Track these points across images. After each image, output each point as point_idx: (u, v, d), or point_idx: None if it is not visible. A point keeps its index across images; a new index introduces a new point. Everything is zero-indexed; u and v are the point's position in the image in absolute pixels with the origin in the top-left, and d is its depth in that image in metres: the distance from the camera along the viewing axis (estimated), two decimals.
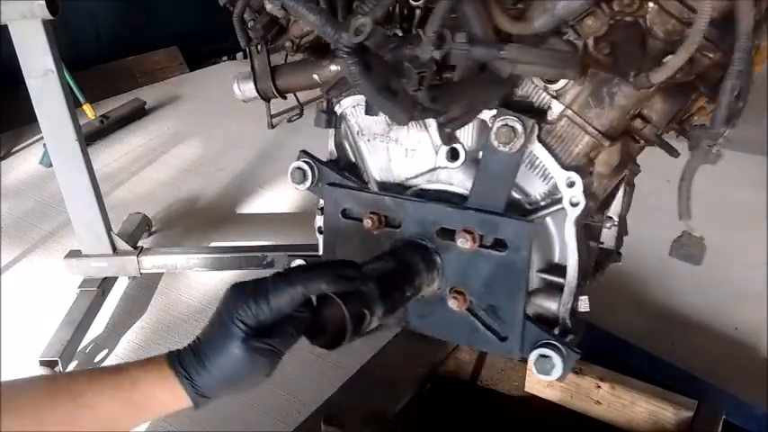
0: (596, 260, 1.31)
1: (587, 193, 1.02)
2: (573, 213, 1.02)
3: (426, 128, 1.17)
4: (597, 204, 1.15)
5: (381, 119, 1.21)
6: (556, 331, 1.08)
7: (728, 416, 1.73)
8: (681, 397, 1.71)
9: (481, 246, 1.01)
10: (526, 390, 1.87)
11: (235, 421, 2.07)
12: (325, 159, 1.30)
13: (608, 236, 1.35)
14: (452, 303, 1.06)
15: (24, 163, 3.86)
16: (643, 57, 0.92)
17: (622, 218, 1.36)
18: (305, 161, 1.25)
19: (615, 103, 0.98)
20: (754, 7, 0.82)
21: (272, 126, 4.40)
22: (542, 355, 1.00)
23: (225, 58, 5.51)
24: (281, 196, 3.44)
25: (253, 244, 2.79)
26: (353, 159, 1.31)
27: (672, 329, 2.40)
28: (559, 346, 1.00)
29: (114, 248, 2.57)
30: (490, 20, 0.91)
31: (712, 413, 1.68)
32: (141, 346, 2.38)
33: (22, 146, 4.04)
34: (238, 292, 0.88)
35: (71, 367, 2.32)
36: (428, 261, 1.05)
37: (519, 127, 0.97)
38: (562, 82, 1.00)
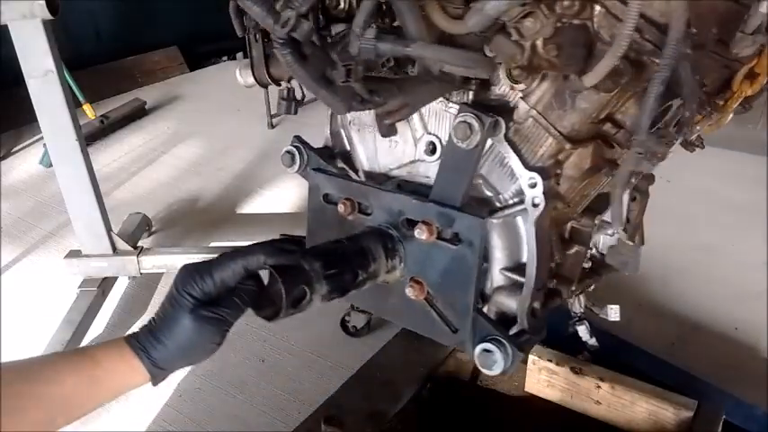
0: (592, 267, 1.30)
1: (551, 194, 1.02)
2: (533, 214, 1.02)
3: (408, 121, 1.18)
4: (574, 207, 1.14)
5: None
6: (515, 329, 1.09)
7: (728, 416, 1.74)
8: (681, 397, 1.71)
9: (439, 238, 1.03)
10: (526, 390, 1.88)
11: (235, 421, 2.08)
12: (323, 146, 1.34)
13: (608, 243, 1.32)
14: (410, 292, 1.07)
15: (24, 163, 3.87)
16: (590, 59, 0.92)
17: (635, 227, 1.34)
18: (294, 146, 1.29)
19: (576, 105, 0.97)
20: (686, 12, 0.81)
21: (272, 126, 4.42)
22: (485, 350, 1.02)
23: (225, 58, 5.51)
24: (280, 196, 3.44)
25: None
26: (348, 148, 1.33)
27: (672, 329, 2.41)
28: (504, 342, 1.01)
29: (114, 248, 2.57)
30: (423, 17, 0.93)
31: (712, 413, 1.69)
32: None
33: (22, 146, 4.04)
34: (186, 270, 0.95)
35: None
36: (390, 249, 1.07)
37: (475, 124, 0.98)
38: (529, 82, 1.00)
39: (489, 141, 1.03)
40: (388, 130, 1.13)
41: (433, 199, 1.06)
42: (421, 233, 1.02)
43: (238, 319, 0.96)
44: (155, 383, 0.96)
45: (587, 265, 1.30)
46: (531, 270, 1.05)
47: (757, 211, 3.03)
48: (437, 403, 1.85)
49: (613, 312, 1.43)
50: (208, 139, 4.16)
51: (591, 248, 1.34)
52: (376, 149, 1.26)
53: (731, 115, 1.16)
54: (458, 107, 1.04)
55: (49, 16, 2.17)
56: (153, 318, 0.96)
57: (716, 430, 1.66)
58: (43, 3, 2.12)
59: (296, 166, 1.30)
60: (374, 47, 0.92)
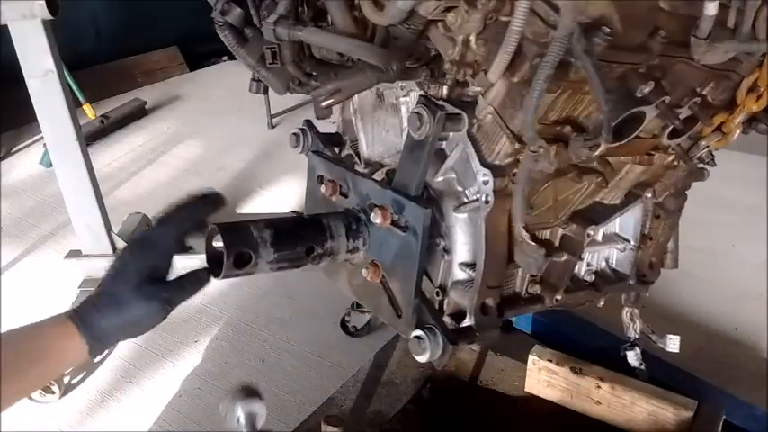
0: (594, 281, 1.28)
1: (504, 193, 1.02)
2: (483, 211, 1.03)
3: (398, 111, 1.20)
4: (551, 213, 1.13)
5: (371, 99, 1.26)
6: (466, 323, 1.10)
7: (728, 416, 1.74)
8: (681, 397, 1.71)
9: (394, 224, 1.06)
10: (526, 390, 1.88)
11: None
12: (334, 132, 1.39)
13: (621, 259, 1.31)
14: (365, 273, 1.11)
15: (24, 163, 3.87)
16: (518, 56, 0.90)
17: (659, 246, 1.32)
18: (301, 129, 1.33)
19: (524, 105, 0.94)
20: (573, 10, 0.79)
21: (272, 126, 4.42)
22: (417, 336, 1.04)
23: (225, 57, 5.51)
24: (280, 196, 3.44)
25: None
26: (356, 135, 1.37)
27: (672, 329, 2.40)
28: (437, 332, 1.03)
29: (114, 248, 2.57)
30: (349, 7, 0.99)
31: (712, 413, 1.69)
32: (142, 346, 2.38)
33: (22, 146, 4.04)
34: (135, 244, 0.97)
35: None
36: (354, 230, 1.11)
37: (425, 115, 0.99)
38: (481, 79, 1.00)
39: (452, 135, 1.04)
40: (322, 113, 1.18)
41: (392, 186, 1.09)
42: (375, 217, 1.05)
43: (184, 300, 0.97)
44: (93, 356, 0.94)
45: (590, 278, 1.28)
46: (480, 266, 1.05)
47: (757, 211, 3.03)
48: (437, 403, 1.85)
49: (672, 343, 1.42)
50: (208, 139, 4.16)
51: (603, 263, 1.32)
52: (373, 138, 1.29)
53: (738, 131, 1.11)
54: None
55: (48, 16, 2.17)
56: (96, 290, 0.95)
57: (716, 430, 1.66)
58: (43, 3, 2.13)
59: (299, 148, 1.34)
60: (273, 30, 1.00)
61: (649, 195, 1.22)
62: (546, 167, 0.97)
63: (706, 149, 1.14)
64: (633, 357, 1.56)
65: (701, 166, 1.23)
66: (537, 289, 1.20)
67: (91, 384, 2.28)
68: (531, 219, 1.08)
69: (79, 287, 2.52)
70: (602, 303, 1.39)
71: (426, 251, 1.08)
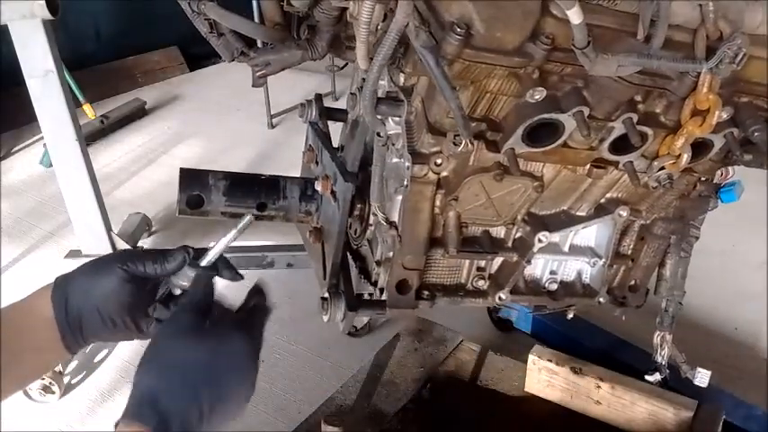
0: (556, 289, 1.27)
1: (423, 180, 1.03)
2: (403, 194, 1.06)
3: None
4: (492, 211, 1.12)
5: None
6: (383, 298, 1.15)
7: (728, 416, 1.74)
8: (681, 397, 1.71)
9: (332, 194, 1.14)
10: (526, 390, 1.88)
11: (235, 421, 2.07)
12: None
13: (594, 275, 1.29)
14: (308, 236, 1.20)
15: (24, 163, 3.87)
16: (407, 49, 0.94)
17: (645, 269, 1.31)
18: (308, 100, 1.41)
19: (435, 97, 0.96)
20: (407, 6, 0.79)
21: (272, 126, 4.42)
22: (323, 297, 1.14)
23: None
24: None
25: (253, 244, 2.79)
26: None
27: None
28: (342, 296, 1.12)
29: (114, 248, 2.57)
30: None
31: (712, 413, 1.68)
32: (142, 347, 2.37)
33: (22, 146, 4.04)
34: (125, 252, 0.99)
35: (71, 367, 2.32)
36: (308, 196, 1.21)
37: (357, 95, 1.06)
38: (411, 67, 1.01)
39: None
40: (257, 82, 1.26)
41: (338, 159, 1.19)
42: (317, 185, 1.15)
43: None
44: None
45: (552, 286, 1.27)
46: (395, 246, 1.09)
47: (757, 211, 3.03)
48: (437, 403, 1.85)
49: (701, 377, 1.41)
50: (208, 139, 4.16)
51: (573, 274, 1.29)
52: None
53: (686, 156, 1.01)
54: None
55: (48, 16, 2.17)
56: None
57: (716, 430, 1.66)
58: (43, 3, 2.13)
59: (304, 117, 1.41)
60: (188, 4, 1.11)
61: (623, 213, 1.18)
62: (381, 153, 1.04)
63: (662, 171, 1.08)
64: (652, 380, 1.53)
65: (703, 193, 1.21)
66: (483, 284, 1.21)
67: (91, 384, 2.28)
68: (466, 213, 1.11)
69: None
70: (570, 316, 1.37)
71: (374, 228, 1.17)
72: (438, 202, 1.08)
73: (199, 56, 5.42)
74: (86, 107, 4.12)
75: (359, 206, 1.18)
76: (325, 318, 1.13)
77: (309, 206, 1.20)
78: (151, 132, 4.30)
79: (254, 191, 1.17)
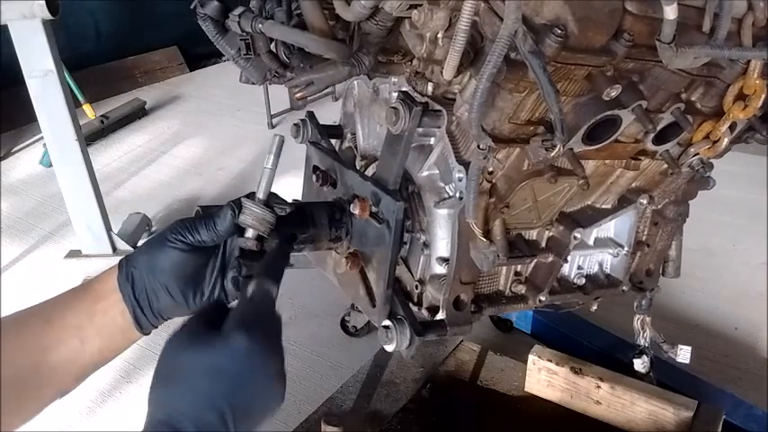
0: (584, 284, 1.27)
1: (479, 190, 1.01)
2: (457, 207, 1.03)
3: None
4: (532, 214, 1.12)
5: (368, 93, 1.26)
6: (439, 317, 1.10)
7: (728, 416, 1.73)
8: (681, 397, 1.71)
9: (373, 216, 1.07)
10: (526, 390, 1.87)
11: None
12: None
13: (615, 264, 1.30)
14: (344, 263, 1.12)
15: (24, 163, 3.87)
16: (482, 56, 0.90)
17: (657, 253, 1.30)
18: (302, 119, 1.37)
19: (496, 103, 0.93)
20: (517, 10, 0.77)
21: (273, 126, 4.42)
22: (385, 326, 1.06)
23: (225, 57, 5.50)
24: (280, 196, 3.44)
25: None
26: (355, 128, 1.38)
27: (672, 329, 2.40)
28: (405, 323, 1.05)
29: (114, 248, 2.57)
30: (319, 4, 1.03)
31: (712, 413, 1.68)
32: (143, 347, 2.38)
33: (22, 146, 4.05)
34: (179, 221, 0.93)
35: None
36: (337, 220, 1.12)
37: (401, 110, 1.00)
38: (460, 77, 0.99)
39: (437, 131, 1.04)
40: (296, 103, 1.25)
41: (373, 179, 1.10)
42: (354, 208, 1.06)
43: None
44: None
45: (580, 281, 1.27)
46: (453, 261, 1.06)
47: (757, 211, 3.03)
48: (437, 403, 1.85)
49: (683, 354, 1.42)
50: (208, 139, 4.16)
51: (595, 267, 1.31)
52: (369, 131, 1.31)
53: (726, 140, 1.07)
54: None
55: (48, 16, 2.17)
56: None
57: (716, 430, 1.65)
58: (43, 3, 2.13)
59: (299, 138, 1.37)
60: (238, 23, 1.07)
61: (644, 201, 1.21)
62: (496, 166, 0.97)
63: (696, 157, 1.12)
64: (641, 365, 1.54)
65: (704, 174, 1.22)
66: (521, 289, 1.20)
67: (91, 384, 2.28)
68: (510, 218, 1.09)
69: None
70: (594, 308, 1.38)
71: (408, 245, 1.11)
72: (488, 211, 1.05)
73: (199, 56, 5.43)
74: (86, 107, 4.12)
75: None
76: (391, 347, 1.05)
77: (339, 231, 1.11)
78: (151, 132, 4.30)
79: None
